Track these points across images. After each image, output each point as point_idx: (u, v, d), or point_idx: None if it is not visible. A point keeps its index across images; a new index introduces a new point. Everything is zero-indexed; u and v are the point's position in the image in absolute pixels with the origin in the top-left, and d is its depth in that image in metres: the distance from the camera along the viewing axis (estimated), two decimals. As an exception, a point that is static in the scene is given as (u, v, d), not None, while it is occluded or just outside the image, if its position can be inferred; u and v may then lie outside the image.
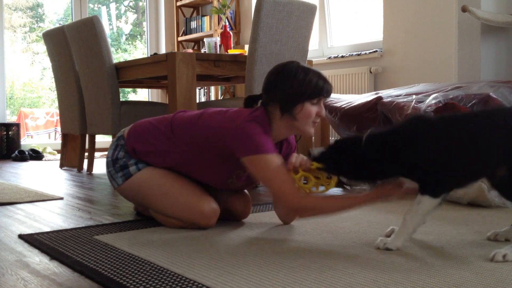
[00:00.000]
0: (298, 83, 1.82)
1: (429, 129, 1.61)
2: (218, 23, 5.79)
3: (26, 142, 6.62)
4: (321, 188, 1.82)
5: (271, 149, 1.79)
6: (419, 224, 1.62)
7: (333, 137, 4.40)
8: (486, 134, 1.58)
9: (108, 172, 2.07)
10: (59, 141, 6.23)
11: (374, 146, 1.63)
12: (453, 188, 1.68)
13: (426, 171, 1.59)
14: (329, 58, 4.62)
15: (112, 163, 2.05)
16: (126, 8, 8.18)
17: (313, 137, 3.87)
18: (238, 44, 5.80)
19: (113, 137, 3.73)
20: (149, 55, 5.06)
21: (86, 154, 4.12)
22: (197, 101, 4.18)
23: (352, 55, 4.44)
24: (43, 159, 5.32)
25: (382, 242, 1.63)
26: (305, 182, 1.80)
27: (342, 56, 4.52)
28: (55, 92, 4.59)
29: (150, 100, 6.56)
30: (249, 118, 1.81)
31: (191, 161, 1.95)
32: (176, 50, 6.29)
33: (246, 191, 2.14)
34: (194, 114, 1.97)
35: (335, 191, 2.56)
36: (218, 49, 3.79)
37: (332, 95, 3.48)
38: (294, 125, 1.87)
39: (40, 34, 5.37)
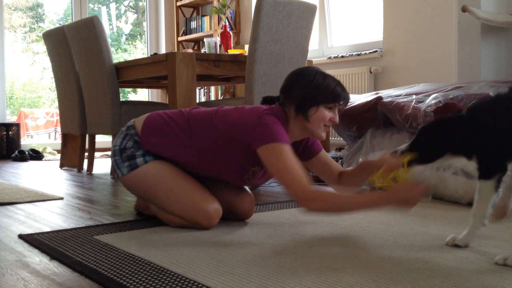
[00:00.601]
0: (316, 86, 1.87)
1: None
2: (218, 23, 5.79)
3: (26, 142, 6.62)
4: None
5: (287, 140, 1.82)
6: (484, 213, 1.59)
7: (333, 137, 4.40)
8: None
9: (114, 160, 2.05)
10: (59, 141, 6.23)
11: (477, 120, 1.61)
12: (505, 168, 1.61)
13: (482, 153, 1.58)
14: (329, 58, 4.62)
15: (119, 152, 2.03)
16: (126, 8, 8.18)
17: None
18: (238, 44, 5.80)
19: (113, 137, 3.73)
20: (149, 55, 5.06)
21: (86, 154, 4.12)
22: (197, 101, 4.19)
23: (352, 55, 4.44)
24: (43, 159, 5.32)
25: (451, 239, 1.66)
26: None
27: (342, 56, 4.52)
28: (55, 92, 4.59)
29: (150, 100, 6.56)
30: (267, 111, 1.87)
31: (208, 156, 1.95)
32: (176, 50, 6.29)
33: (249, 191, 2.14)
34: (210, 109, 2.00)
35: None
36: (218, 49, 3.79)
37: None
38: (306, 127, 1.90)
39: (40, 34, 5.37)
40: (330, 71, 4.63)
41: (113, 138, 3.73)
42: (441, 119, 1.76)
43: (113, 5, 7.96)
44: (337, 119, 1.92)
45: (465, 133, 1.62)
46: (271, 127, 1.81)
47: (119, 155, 2.03)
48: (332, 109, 1.89)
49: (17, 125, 5.63)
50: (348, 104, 3.16)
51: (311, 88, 1.87)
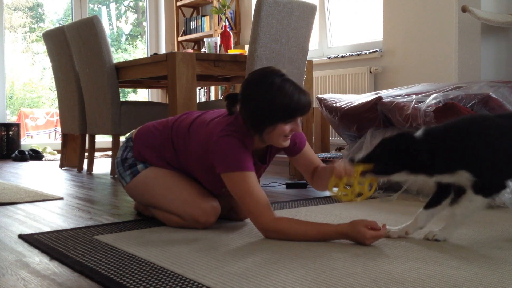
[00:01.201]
0: (270, 103, 1.72)
1: (496, 128, 1.66)
2: (218, 23, 5.79)
3: (26, 142, 6.62)
4: (359, 197, 1.79)
5: (249, 167, 1.77)
6: (467, 219, 1.70)
7: (333, 137, 4.40)
8: None
9: (118, 171, 2.12)
10: (59, 141, 6.23)
11: (435, 141, 1.65)
12: (503, 189, 1.70)
13: (485, 170, 1.63)
14: (329, 58, 4.62)
15: (121, 163, 2.09)
16: (126, 8, 8.18)
17: (313, 137, 3.87)
18: (238, 44, 5.80)
19: (113, 137, 3.73)
20: (149, 55, 5.06)
21: (86, 154, 4.12)
22: (197, 101, 4.19)
23: (352, 55, 4.44)
24: (43, 159, 5.32)
25: (431, 234, 1.72)
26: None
27: (342, 56, 4.52)
28: (55, 92, 4.59)
29: (150, 100, 6.56)
30: (225, 132, 1.78)
31: (189, 168, 1.99)
32: (176, 50, 6.29)
33: None
34: (186, 125, 1.98)
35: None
36: (218, 49, 3.79)
37: (332, 95, 3.48)
38: (266, 141, 1.83)
39: (40, 34, 5.37)
40: (330, 71, 4.66)
41: (113, 138, 3.74)
42: (403, 134, 1.73)
43: (113, 5, 7.96)
44: (299, 128, 1.80)
45: (429, 152, 1.64)
46: (230, 154, 1.76)
47: (121, 165, 2.09)
48: (291, 121, 1.77)
49: (17, 125, 5.63)
50: (348, 104, 3.16)
51: (265, 106, 1.73)
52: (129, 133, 2.17)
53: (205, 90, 6.14)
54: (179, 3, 6.33)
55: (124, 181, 2.08)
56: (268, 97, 1.73)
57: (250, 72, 3.12)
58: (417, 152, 1.63)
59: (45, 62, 7.66)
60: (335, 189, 1.81)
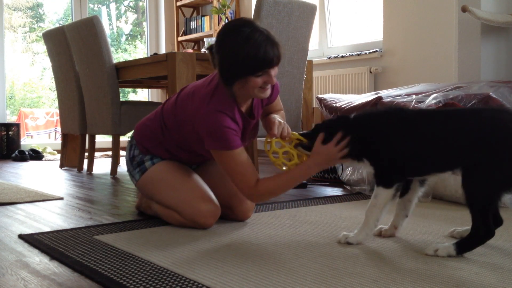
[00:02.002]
0: (234, 57, 1.71)
1: (399, 121, 1.68)
2: (218, 23, 5.79)
3: (26, 142, 6.62)
4: (285, 164, 1.90)
5: (235, 145, 1.81)
6: (379, 217, 1.70)
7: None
8: (446, 133, 1.61)
9: (128, 170, 2.14)
10: (59, 141, 6.23)
11: (356, 127, 1.73)
12: (405, 179, 1.74)
13: (381, 160, 1.67)
14: (329, 58, 4.62)
15: (130, 162, 2.12)
16: (126, 8, 8.18)
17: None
18: (238, 44, 5.79)
19: (113, 137, 3.73)
20: (149, 55, 5.06)
21: (86, 154, 4.12)
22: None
23: (352, 55, 4.44)
24: (43, 159, 5.32)
25: (344, 237, 1.72)
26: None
27: (342, 56, 4.52)
28: (55, 92, 4.59)
29: (150, 100, 6.56)
30: (214, 107, 1.79)
31: (187, 142, 1.99)
32: (176, 50, 6.29)
33: None
34: (173, 102, 2.01)
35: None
36: (218, 49, 3.79)
37: (332, 95, 3.48)
38: (242, 94, 1.85)
39: (40, 34, 5.37)
40: (330, 71, 4.66)
41: (113, 138, 3.74)
42: (341, 117, 1.82)
43: (113, 5, 7.96)
44: (272, 80, 1.77)
45: (357, 138, 1.71)
46: (217, 132, 1.79)
47: (130, 164, 2.12)
48: (263, 74, 1.75)
49: (17, 125, 5.63)
50: (348, 104, 3.16)
51: (231, 58, 1.72)
52: (131, 132, 2.19)
53: (205, 90, 6.13)
54: (179, 3, 6.33)
55: (134, 179, 2.11)
56: (234, 50, 1.72)
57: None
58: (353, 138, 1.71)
59: (45, 62, 7.66)
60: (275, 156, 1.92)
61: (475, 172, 1.52)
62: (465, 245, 1.55)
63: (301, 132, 1.87)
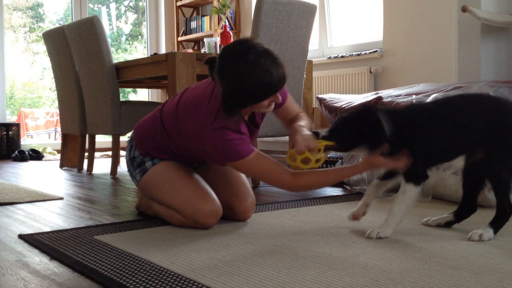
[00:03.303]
0: (243, 89, 1.71)
1: (427, 116, 1.74)
2: (218, 23, 5.79)
3: (26, 142, 6.62)
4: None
5: (248, 152, 1.82)
6: (405, 213, 1.76)
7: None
8: (465, 119, 1.73)
9: (128, 171, 2.14)
10: (59, 141, 6.23)
11: (391, 125, 1.73)
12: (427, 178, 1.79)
13: (417, 157, 1.71)
14: (329, 58, 4.62)
15: (130, 162, 2.11)
16: (126, 8, 8.18)
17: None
18: (238, 44, 5.79)
19: (113, 137, 3.73)
20: (149, 55, 5.06)
21: (86, 154, 4.12)
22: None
23: (352, 55, 4.44)
24: (43, 159, 5.32)
25: (374, 232, 1.76)
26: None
27: (342, 56, 4.52)
28: (55, 92, 4.59)
29: (150, 100, 6.56)
30: (219, 124, 1.79)
31: (188, 149, 1.99)
32: (176, 50, 6.29)
33: (251, 192, 2.14)
34: (172, 106, 1.99)
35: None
36: (218, 49, 3.79)
37: (332, 95, 3.48)
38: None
39: (40, 34, 5.37)
40: (330, 71, 4.66)
41: (113, 138, 3.74)
42: (365, 109, 1.82)
43: (113, 5, 7.96)
44: (279, 99, 1.80)
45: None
46: (227, 148, 1.80)
47: (130, 165, 2.12)
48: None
49: (17, 125, 5.63)
50: (348, 104, 3.16)
51: (236, 91, 1.72)
52: (131, 133, 2.20)
53: (205, 90, 6.13)
54: (179, 3, 6.33)
55: (135, 180, 2.11)
56: (240, 81, 1.70)
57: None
58: (376, 132, 1.71)
59: (45, 62, 7.66)
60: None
61: (497, 154, 1.68)
62: (497, 224, 1.73)
63: (322, 134, 1.80)
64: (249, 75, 1.69)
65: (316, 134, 1.79)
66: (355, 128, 1.75)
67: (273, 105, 1.85)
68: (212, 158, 1.95)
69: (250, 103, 1.77)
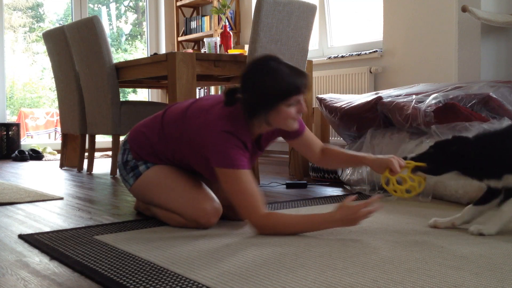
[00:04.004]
0: (265, 87, 1.76)
1: None
2: (218, 23, 5.79)
3: (26, 142, 6.62)
4: (409, 192, 1.90)
5: (244, 165, 1.79)
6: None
7: (333, 137, 4.40)
8: None
9: (121, 175, 2.12)
10: (59, 141, 6.23)
11: (486, 145, 1.76)
12: None
13: None
14: (329, 58, 4.62)
15: (123, 166, 2.09)
16: (126, 8, 8.18)
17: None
18: (238, 44, 5.80)
19: (113, 137, 3.73)
20: (149, 55, 5.06)
21: (86, 154, 4.12)
22: (197, 101, 4.18)
23: (352, 55, 4.44)
24: (43, 159, 5.32)
25: (476, 229, 1.77)
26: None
27: (342, 56, 4.52)
28: (55, 92, 4.59)
29: (150, 100, 6.56)
30: (226, 127, 1.79)
31: (184, 158, 1.98)
32: (176, 50, 6.29)
33: None
34: (179, 111, 1.98)
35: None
36: (218, 49, 3.79)
37: (332, 95, 3.48)
38: (273, 126, 1.88)
39: (40, 34, 5.37)
40: (330, 71, 4.66)
41: (113, 138, 3.74)
42: (456, 137, 1.85)
43: (113, 5, 7.96)
44: (304, 108, 1.82)
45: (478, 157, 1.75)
46: (228, 152, 1.78)
47: (123, 169, 2.10)
48: (294, 102, 1.79)
49: (17, 125, 5.63)
50: (348, 104, 3.16)
51: (260, 91, 1.77)
52: (125, 137, 2.17)
53: (205, 90, 6.14)
54: (179, 3, 6.33)
55: (128, 183, 2.09)
56: (263, 81, 1.77)
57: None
58: (469, 155, 1.75)
59: (45, 62, 7.66)
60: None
61: None
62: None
63: (412, 156, 1.87)
64: (273, 75, 1.76)
65: (404, 158, 1.87)
66: (447, 151, 1.79)
67: (297, 123, 1.86)
68: (205, 166, 1.93)
69: (276, 100, 1.77)
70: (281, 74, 1.76)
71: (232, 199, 1.82)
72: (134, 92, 7.74)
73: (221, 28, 5.68)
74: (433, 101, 2.71)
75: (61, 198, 2.74)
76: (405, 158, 1.86)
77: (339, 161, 2.10)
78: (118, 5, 8.04)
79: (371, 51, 4.30)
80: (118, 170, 2.15)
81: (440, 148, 1.83)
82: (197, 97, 2.50)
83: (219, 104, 1.89)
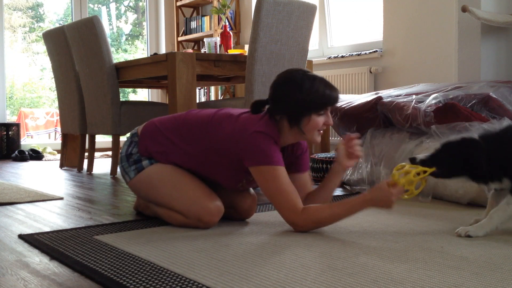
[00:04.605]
0: (304, 96, 1.83)
1: None
2: (218, 23, 5.79)
3: (26, 142, 6.62)
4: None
5: (280, 161, 1.83)
6: (503, 223, 1.75)
7: (333, 137, 4.40)
8: None
9: (121, 166, 2.10)
10: (59, 141, 6.23)
11: (497, 146, 1.74)
12: None
13: None
14: (329, 58, 4.62)
15: (126, 158, 2.07)
16: (126, 8, 8.18)
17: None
18: (238, 44, 5.80)
19: (113, 137, 3.73)
20: (149, 55, 5.06)
21: (86, 154, 4.12)
22: (197, 101, 4.19)
23: (352, 55, 4.44)
24: (43, 159, 5.32)
25: (463, 230, 1.76)
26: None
27: (342, 56, 4.52)
28: (55, 92, 4.59)
29: (150, 100, 6.56)
30: (260, 128, 1.84)
31: (201, 163, 1.98)
32: (176, 50, 6.29)
33: (252, 190, 2.14)
34: (205, 116, 1.99)
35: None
36: (218, 49, 3.79)
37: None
38: (301, 136, 1.91)
39: (40, 34, 5.37)
40: (330, 71, 4.65)
41: (113, 138, 3.74)
42: (465, 139, 1.81)
43: (113, 5, 7.96)
44: (331, 121, 1.91)
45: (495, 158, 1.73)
46: (264, 149, 1.81)
47: (126, 161, 2.08)
48: (323, 113, 1.88)
49: (17, 125, 5.63)
50: (348, 104, 3.16)
51: (300, 100, 1.84)
52: (134, 129, 2.14)
53: (205, 90, 6.14)
54: (179, 3, 6.33)
55: (128, 176, 2.07)
56: (301, 90, 1.83)
57: (250, 71, 3.12)
58: (479, 159, 1.73)
59: (45, 62, 7.66)
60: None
61: None
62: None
63: (421, 158, 1.82)
64: (309, 87, 1.83)
65: (412, 160, 1.82)
66: (458, 155, 1.76)
67: (320, 136, 1.92)
68: (231, 174, 1.95)
69: (314, 108, 1.83)
70: (318, 84, 1.84)
71: (270, 199, 1.85)
72: (134, 92, 7.74)
73: (221, 28, 5.68)
74: (433, 101, 2.71)
75: (61, 198, 2.74)
76: (413, 160, 1.83)
77: (316, 195, 2.07)
78: (118, 5, 8.04)
79: (371, 51, 4.30)
80: (119, 161, 2.11)
81: (450, 151, 1.79)
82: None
83: (247, 113, 1.95)
